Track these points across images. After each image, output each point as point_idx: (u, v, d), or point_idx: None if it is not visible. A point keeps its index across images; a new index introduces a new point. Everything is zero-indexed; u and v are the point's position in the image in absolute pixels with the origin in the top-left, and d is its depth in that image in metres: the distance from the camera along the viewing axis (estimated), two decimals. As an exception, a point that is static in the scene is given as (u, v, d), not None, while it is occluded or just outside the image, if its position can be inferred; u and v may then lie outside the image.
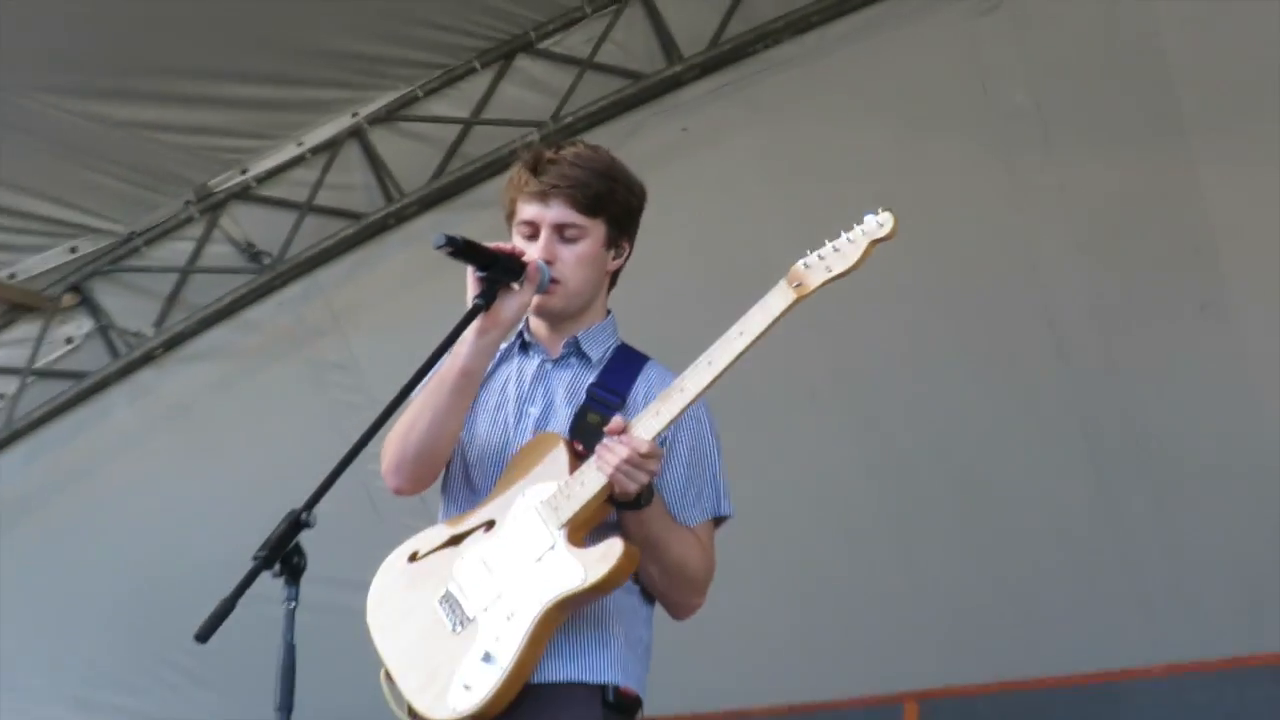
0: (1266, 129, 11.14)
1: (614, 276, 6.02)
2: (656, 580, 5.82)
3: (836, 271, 5.39)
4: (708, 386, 5.52)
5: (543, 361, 5.98)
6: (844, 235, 5.38)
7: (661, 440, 5.63)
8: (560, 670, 5.63)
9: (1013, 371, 11.79)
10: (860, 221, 5.37)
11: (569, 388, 5.89)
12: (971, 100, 11.65)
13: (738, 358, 5.46)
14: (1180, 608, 11.83)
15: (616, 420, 5.48)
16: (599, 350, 5.93)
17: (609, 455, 5.35)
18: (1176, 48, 11.38)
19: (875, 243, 5.41)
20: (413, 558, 5.84)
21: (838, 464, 11.77)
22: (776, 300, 5.42)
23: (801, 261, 5.36)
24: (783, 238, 10.01)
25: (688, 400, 5.50)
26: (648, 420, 5.48)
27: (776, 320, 5.44)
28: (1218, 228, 11.51)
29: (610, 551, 5.39)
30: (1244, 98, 11.39)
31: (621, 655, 5.81)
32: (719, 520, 5.96)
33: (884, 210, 5.44)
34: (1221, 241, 11.53)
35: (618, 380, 5.98)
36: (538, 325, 5.98)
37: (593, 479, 5.40)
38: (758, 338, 5.43)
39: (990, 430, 11.99)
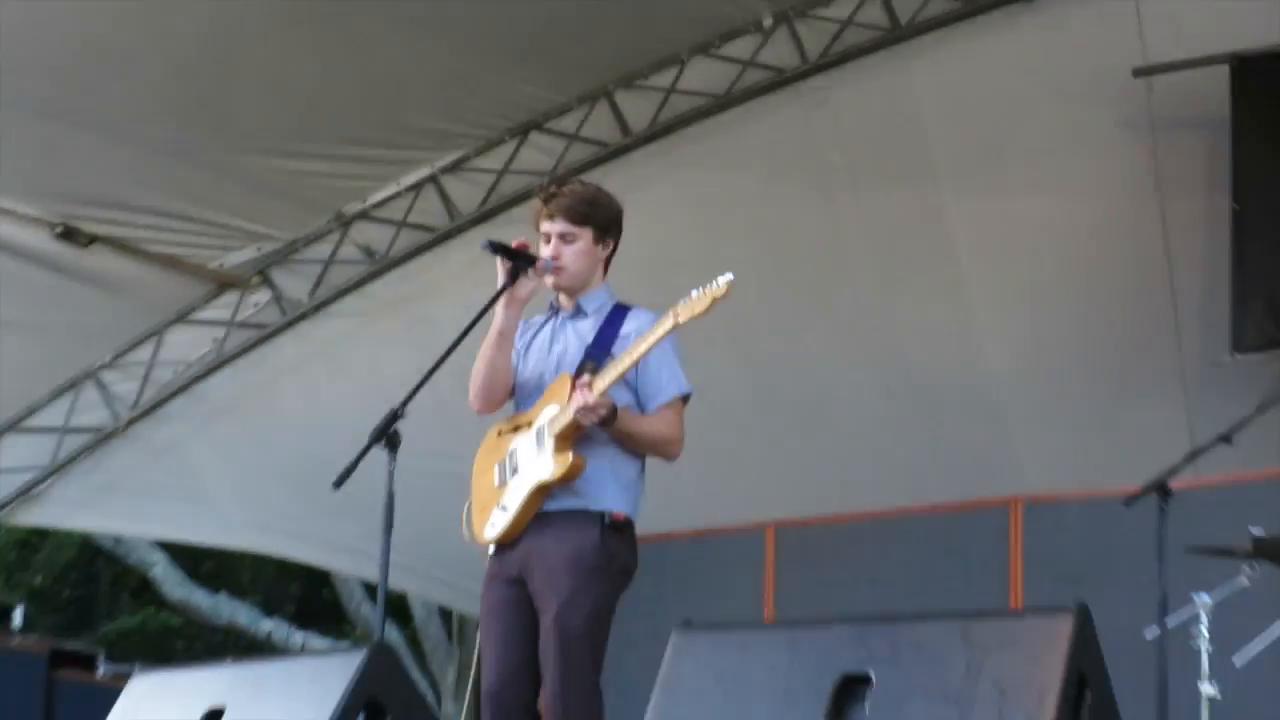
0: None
1: (608, 261, 7.09)
2: (640, 450, 6.94)
3: (693, 314, 6.54)
4: (634, 363, 6.70)
5: (564, 319, 7.03)
6: (700, 290, 6.48)
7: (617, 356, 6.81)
8: (570, 503, 6.72)
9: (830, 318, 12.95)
10: (714, 281, 6.48)
11: (579, 333, 6.93)
12: (806, 162, 13.00)
13: (649, 348, 6.60)
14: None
15: (585, 377, 6.65)
16: (594, 306, 6.98)
17: (575, 399, 6.59)
18: (932, 114, 12.68)
19: (715, 300, 6.51)
20: (499, 433, 7.06)
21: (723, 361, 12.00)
22: (665, 324, 6.53)
23: (681, 302, 6.44)
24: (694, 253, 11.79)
25: (623, 368, 6.69)
26: (607, 374, 6.68)
27: (666, 333, 6.60)
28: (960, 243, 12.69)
29: (565, 460, 6.64)
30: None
31: (615, 492, 6.83)
32: (685, 398, 7.00)
33: (726, 276, 6.56)
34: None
35: (611, 327, 6.95)
36: (560, 297, 7.10)
37: (568, 412, 6.62)
38: (658, 340, 6.60)
39: (820, 350, 13.01)
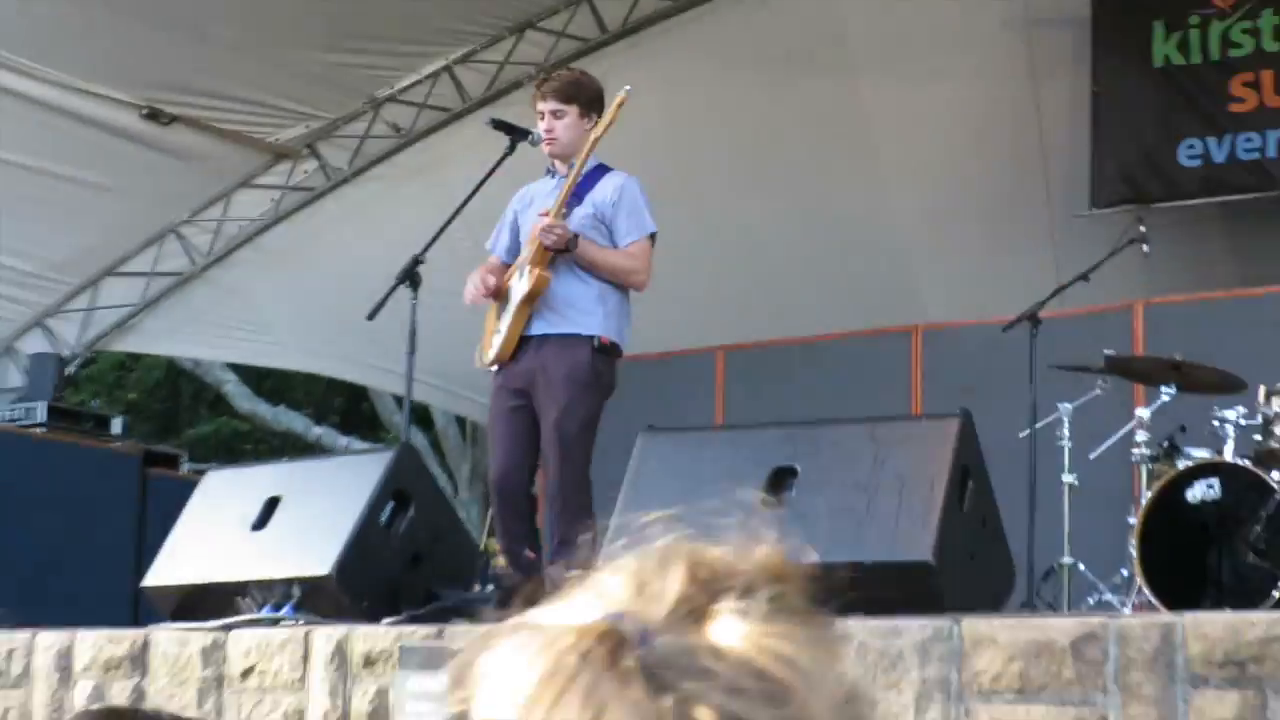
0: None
1: (592, 131, 7.05)
2: (609, 278, 7.07)
3: (607, 124, 6.92)
4: (571, 184, 6.98)
5: (558, 177, 7.20)
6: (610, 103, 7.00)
7: (597, 210, 7.18)
8: (566, 328, 6.99)
9: (769, 180, 12.71)
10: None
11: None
12: (750, 53, 12.57)
13: (580, 169, 6.97)
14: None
15: (546, 212, 6.99)
16: (585, 170, 7.07)
17: (537, 225, 6.94)
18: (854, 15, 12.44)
19: (619, 106, 6.92)
20: (506, 283, 7.19)
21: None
22: (590, 137, 6.95)
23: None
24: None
25: (564, 193, 6.98)
26: (557, 202, 6.98)
27: (592, 144, 6.98)
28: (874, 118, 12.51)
29: (534, 275, 6.90)
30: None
31: (602, 319, 7.03)
32: (652, 236, 7.21)
33: (625, 88, 7.05)
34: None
35: (589, 182, 7.18)
36: (555, 162, 7.26)
37: (535, 238, 6.95)
38: (589, 151, 7.00)
39: (761, 206, 12.70)
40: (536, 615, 1.00)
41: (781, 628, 0.96)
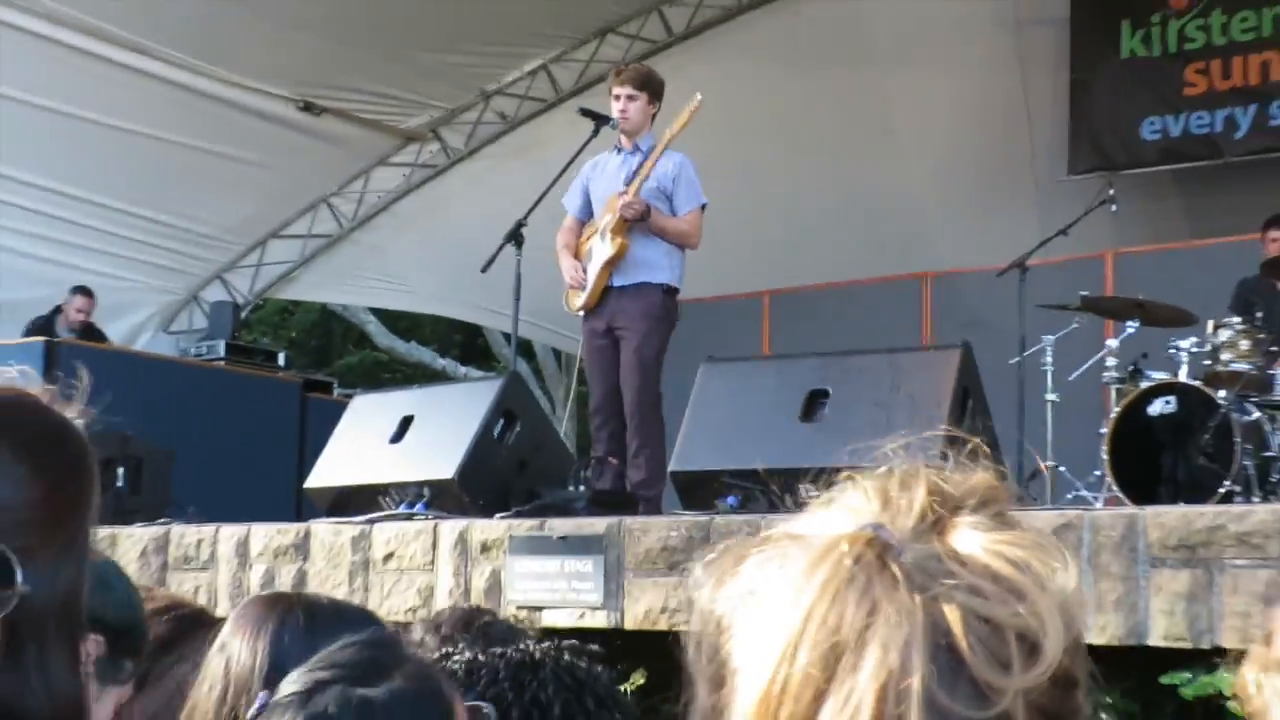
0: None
1: (653, 115, 7.25)
2: (673, 240, 7.15)
3: (679, 128, 7.11)
4: (648, 170, 7.03)
5: (625, 154, 7.26)
6: (679, 112, 7.14)
7: (660, 184, 7.15)
8: (638, 277, 7.09)
9: (805, 154, 12.58)
10: (689, 102, 7.16)
11: (631, 163, 7.19)
12: (788, 53, 12.52)
13: (654, 161, 7.01)
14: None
15: (625, 190, 7.04)
16: (646, 146, 7.17)
17: (620, 202, 6.99)
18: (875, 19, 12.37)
19: (692, 113, 7.17)
20: (585, 239, 7.30)
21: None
22: (665, 138, 7.04)
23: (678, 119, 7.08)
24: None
25: (643, 175, 7.02)
26: (635, 183, 7.03)
27: (666, 143, 7.06)
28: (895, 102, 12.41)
29: (617, 243, 6.98)
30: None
31: (668, 270, 7.15)
32: (703, 207, 7.27)
33: (696, 97, 7.23)
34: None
35: (643, 161, 7.14)
36: (623, 139, 7.27)
37: (617, 211, 7.01)
38: (663, 148, 7.06)
39: (801, 175, 12.51)
40: (793, 527, 0.98)
41: (1010, 536, 0.95)
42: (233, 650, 2.10)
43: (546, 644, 2.15)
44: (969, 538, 0.94)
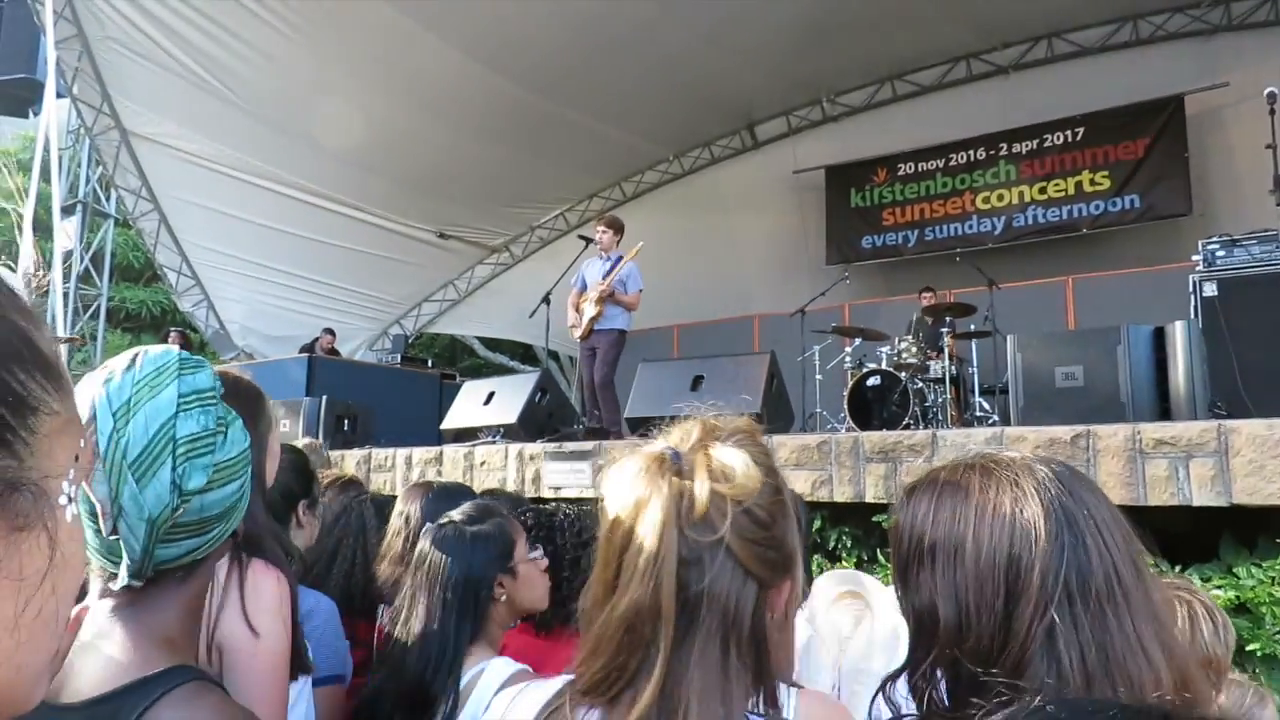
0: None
1: (619, 241, 6.55)
2: (624, 308, 6.33)
3: (633, 254, 6.22)
4: (611, 278, 6.23)
5: (603, 260, 6.51)
6: (631, 247, 6.18)
7: (620, 278, 6.37)
8: (607, 325, 6.29)
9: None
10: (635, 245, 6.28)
11: (604, 267, 6.47)
12: (688, 209, 12.16)
13: (614, 274, 6.15)
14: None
15: (601, 282, 6.38)
16: (613, 257, 6.48)
17: (597, 288, 6.37)
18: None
19: (636, 252, 6.22)
20: (580, 301, 6.46)
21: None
22: (625, 261, 6.16)
23: (627, 251, 6.19)
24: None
25: (609, 280, 6.25)
26: (607, 280, 6.35)
27: (623, 264, 6.16)
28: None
29: (598, 308, 6.29)
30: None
31: (623, 322, 6.33)
32: (640, 290, 6.39)
33: (638, 244, 6.31)
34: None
35: (614, 265, 6.45)
36: (602, 252, 6.53)
37: (596, 292, 6.38)
38: (617, 270, 6.15)
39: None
40: (641, 445, 0.95)
41: (743, 450, 0.92)
42: (406, 510, 2.14)
43: (562, 504, 2.23)
44: (719, 450, 0.91)
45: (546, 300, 7.03)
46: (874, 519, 3.77)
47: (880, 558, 3.63)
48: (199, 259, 10.64)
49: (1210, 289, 4.62)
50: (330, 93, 8.97)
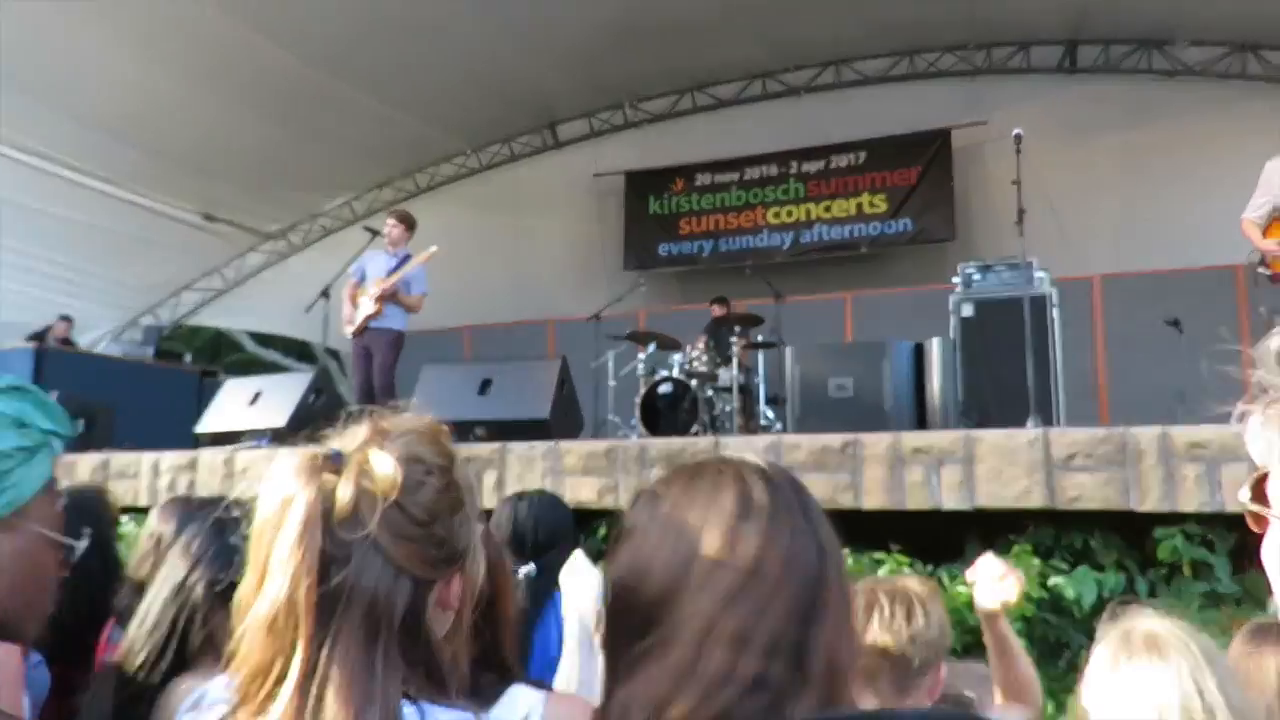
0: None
1: (409, 237, 6.48)
2: (405, 309, 6.31)
3: (425, 258, 6.13)
4: (398, 276, 6.15)
5: (389, 256, 6.44)
6: (426, 250, 6.15)
7: (405, 278, 6.26)
8: (385, 324, 6.26)
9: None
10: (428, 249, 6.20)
11: (390, 262, 6.37)
12: (489, 205, 12.05)
13: (403, 272, 6.10)
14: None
15: (384, 280, 6.19)
16: (400, 253, 6.41)
17: (382, 283, 6.22)
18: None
19: (429, 256, 6.23)
20: (358, 297, 6.33)
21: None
22: (417, 259, 6.14)
23: (420, 252, 6.22)
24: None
25: (395, 278, 6.13)
26: (391, 278, 6.25)
27: (414, 264, 6.20)
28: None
29: (375, 304, 6.15)
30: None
31: (401, 322, 6.31)
32: (424, 294, 6.34)
33: (432, 248, 6.17)
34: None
35: (403, 263, 6.40)
36: (390, 247, 6.44)
37: (376, 289, 6.19)
38: (409, 268, 6.12)
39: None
40: (308, 447, 0.95)
41: (409, 449, 0.93)
42: (159, 531, 1.89)
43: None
44: (375, 451, 0.93)
45: (325, 294, 6.87)
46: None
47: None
48: (-108, 227, 9.99)
49: (968, 309, 5.07)
50: (78, 46, 8.26)
